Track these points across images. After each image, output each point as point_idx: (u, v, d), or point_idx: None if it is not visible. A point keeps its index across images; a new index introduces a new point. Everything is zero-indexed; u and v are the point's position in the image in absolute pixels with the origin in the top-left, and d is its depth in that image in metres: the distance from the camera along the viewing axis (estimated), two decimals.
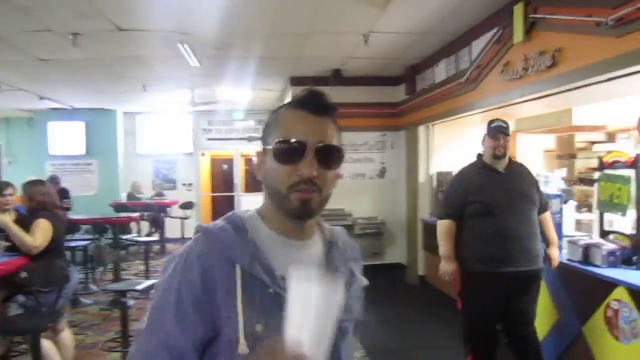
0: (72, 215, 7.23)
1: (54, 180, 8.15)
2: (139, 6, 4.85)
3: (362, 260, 1.34)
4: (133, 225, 10.09)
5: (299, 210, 1.11)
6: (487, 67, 5.09)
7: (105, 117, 11.43)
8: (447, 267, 3.67)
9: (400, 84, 8.01)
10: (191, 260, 1.09)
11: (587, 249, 3.69)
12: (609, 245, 3.70)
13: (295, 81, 8.19)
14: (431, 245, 7.30)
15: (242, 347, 1.03)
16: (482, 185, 3.53)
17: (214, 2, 4.73)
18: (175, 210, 11.22)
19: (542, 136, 7.69)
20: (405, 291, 7.24)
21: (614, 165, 3.86)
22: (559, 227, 4.01)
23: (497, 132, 3.51)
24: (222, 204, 13.91)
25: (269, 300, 1.07)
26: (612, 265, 3.63)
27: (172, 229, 11.08)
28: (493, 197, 3.49)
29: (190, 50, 6.00)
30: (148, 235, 10.18)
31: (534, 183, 3.66)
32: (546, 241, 3.67)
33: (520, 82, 4.45)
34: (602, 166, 3.96)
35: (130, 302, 6.17)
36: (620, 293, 3.39)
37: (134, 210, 9.49)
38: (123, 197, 11.14)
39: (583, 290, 3.68)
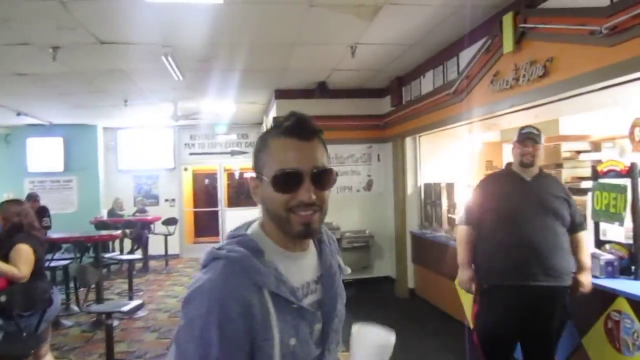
0: (52, 234, 7.02)
1: (32, 198, 7.92)
2: (121, 18, 4.72)
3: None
4: (116, 243, 9.88)
5: (303, 233, 1.19)
6: (476, 78, 5.06)
7: (85, 133, 11.21)
8: (462, 274, 3.49)
9: (386, 95, 7.99)
10: (228, 297, 1.10)
11: None
12: (606, 256, 3.66)
13: (280, 94, 8.12)
14: (420, 258, 7.24)
15: None
16: (504, 192, 3.35)
17: (198, 14, 4.63)
18: (158, 227, 11.00)
19: None
20: (394, 304, 7.14)
21: (608, 174, 3.82)
22: None
23: (526, 138, 3.30)
24: (205, 219, 13.73)
25: (295, 315, 1.17)
26: (611, 275, 3.60)
27: (155, 245, 10.85)
28: (513, 206, 3.28)
29: (174, 63, 5.89)
30: (130, 252, 9.94)
31: (565, 198, 3.33)
32: (577, 266, 3.35)
33: (511, 92, 4.42)
34: (596, 175, 3.93)
35: (115, 323, 5.99)
36: (620, 304, 3.34)
37: (115, 228, 9.26)
38: (104, 214, 10.89)
39: (582, 301, 3.61)
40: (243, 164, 13.52)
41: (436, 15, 4.80)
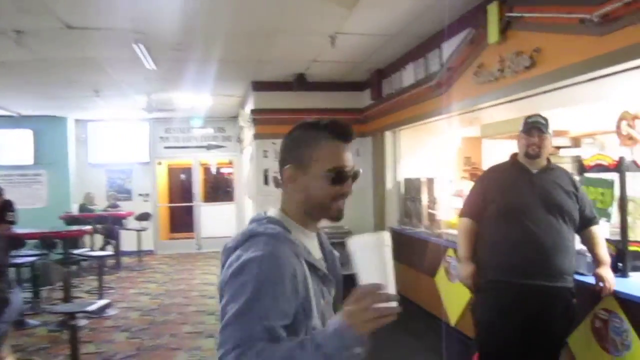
0: (18, 229, 6.71)
1: None
2: (90, 2, 4.48)
3: None
4: (86, 239, 9.57)
5: (337, 216, 1.43)
6: (459, 70, 4.93)
7: (55, 125, 10.87)
8: (462, 269, 3.31)
9: (366, 89, 7.84)
10: (283, 262, 1.28)
11: None
12: None
13: (257, 86, 7.91)
14: (400, 255, 7.10)
15: (316, 320, 1.33)
16: (507, 184, 3.16)
17: None
18: (131, 222, 10.70)
19: (508, 142, 7.64)
20: None
21: (595, 168, 3.72)
22: None
23: (532, 127, 3.10)
24: (181, 215, 13.44)
25: (320, 281, 1.41)
26: None
27: (128, 241, 10.55)
28: (515, 199, 3.09)
29: (146, 51, 5.65)
30: (101, 249, 9.63)
31: (574, 192, 3.13)
32: (595, 261, 3.19)
33: (496, 84, 4.29)
34: (582, 170, 3.82)
35: (83, 322, 5.74)
36: (609, 303, 3.23)
37: (87, 223, 8.96)
38: (75, 209, 10.56)
39: None
40: (220, 159, 13.27)
41: (418, 5, 4.66)
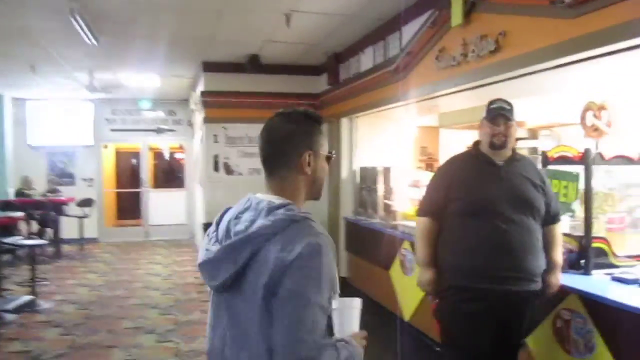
0: None
1: None
2: None
3: None
4: (23, 226, 8.97)
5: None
6: (419, 54, 4.69)
7: None
8: (423, 275, 2.97)
9: (322, 73, 7.55)
10: (329, 248, 1.37)
11: None
12: None
13: (208, 67, 7.51)
14: (354, 246, 6.89)
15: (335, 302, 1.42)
16: (471, 178, 2.83)
17: None
18: (73, 209, 10.10)
19: (465, 132, 7.51)
20: None
21: (559, 160, 3.55)
22: None
23: (497, 115, 2.79)
24: (129, 201, 12.85)
25: None
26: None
27: (68, 229, 9.95)
28: (482, 195, 2.76)
29: (84, 23, 5.16)
30: (37, 236, 9.01)
31: (541, 185, 2.87)
32: (547, 264, 2.91)
33: (458, 69, 4.07)
34: (546, 162, 3.64)
35: (11, 317, 5.30)
36: (572, 302, 3.06)
37: (22, 209, 8.37)
38: (11, 194, 9.88)
39: None
40: (170, 143, 12.74)
41: None
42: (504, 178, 2.79)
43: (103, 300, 6.48)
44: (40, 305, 6.02)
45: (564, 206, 3.47)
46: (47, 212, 9.22)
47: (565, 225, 3.62)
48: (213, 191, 7.57)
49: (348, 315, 1.49)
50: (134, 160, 13.40)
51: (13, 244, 6.75)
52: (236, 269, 1.34)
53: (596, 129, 3.56)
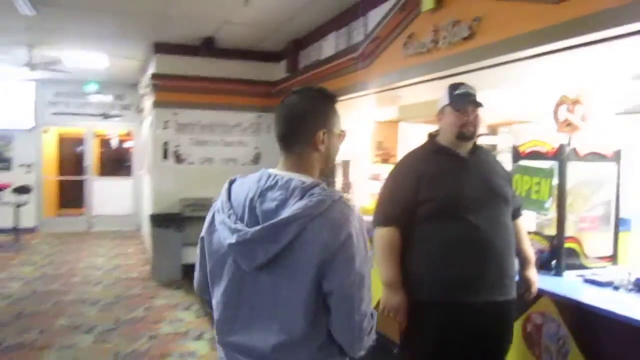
0: None
1: None
2: None
3: None
4: None
5: None
6: (386, 40, 4.44)
7: None
8: (392, 298, 2.45)
9: (281, 60, 7.23)
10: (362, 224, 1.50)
11: None
12: None
13: (160, 48, 7.06)
14: None
15: None
16: (439, 175, 2.47)
17: None
18: (8, 195, 9.42)
19: (425, 126, 7.37)
20: None
21: (531, 156, 3.38)
22: None
23: (467, 101, 2.46)
24: (71, 189, 12.15)
25: None
26: None
27: (3, 217, 9.29)
28: (456, 192, 2.41)
29: None
30: None
31: (507, 176, 2.64)
32: (521, 261, 2.70)
33: (428, 56, 3.84)
34: (517, 157, 3.47)
35: None
36: (544, 305, 2.88)
37: None
38: None
39: None
40: (118, 129, 12.14)
41: None
42: (472, 171, 2.49)
43: (37, 296, 5.99)
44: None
45: (535, 204, 3.31)
46: None
47: (532, 223, 3.49)
48: (161, 180, 7.14)
49: None
50: (80, 148, 12.71)
51: None
52: (280, 248, 1.38)
53: (569, 124, 3.41)
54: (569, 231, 3.24)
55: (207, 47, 6.83)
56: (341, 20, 5.40)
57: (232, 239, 1.42)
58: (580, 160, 3.20)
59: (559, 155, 3.16)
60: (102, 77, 10.09)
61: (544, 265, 3.18)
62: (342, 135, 1.61)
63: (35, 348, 4.40)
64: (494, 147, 5.56)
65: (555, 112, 3.53)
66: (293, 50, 6.69)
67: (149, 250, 7.78)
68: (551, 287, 2.87)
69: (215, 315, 1.57)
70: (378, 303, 2.37)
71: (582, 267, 3.22)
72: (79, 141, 12.06)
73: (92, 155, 11.60)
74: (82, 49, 7.58)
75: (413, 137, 7.63)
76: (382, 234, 2.51)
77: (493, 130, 6.45)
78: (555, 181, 3.19)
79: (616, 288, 2.85)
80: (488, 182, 2.49)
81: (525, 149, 3.43)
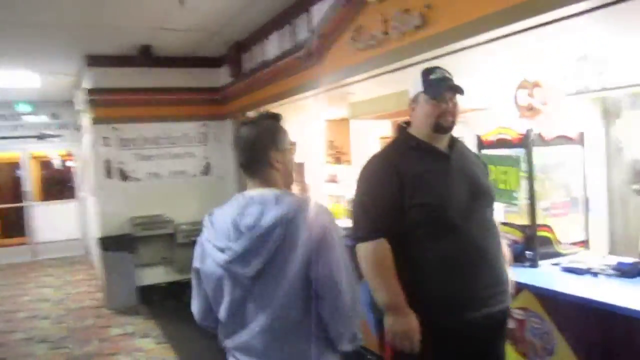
0: None
1: None
2: None
3: None
4: None
5: None
6: (332, 35, 4.24)
7: None
8: (400, 322, 2.07)
9: (223, 65, 6.93)
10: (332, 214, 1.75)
11: None
12: None
13: (93, 61, 6.63)
14: None
15: None
16: (424, 175, 2.15)
17: None
18: None
19: (377, 122, 7.24)
20: None
21: (497, 144, 3.25)
22: None
23: (444, 87, 2.17)
24: (11, 218, 11.43)
25: None
26: None
27: None
28: (444, 195, 2.11)
29: None
30: None
31: (485, 169, 2.41)
32: None
33: (379, 49, 3.66)
34: (481, 146, 3.34)
35: None
36: (525, 299, 2.75)
37: None
38: None
39: None
40: (57, 150, 11.52)
41: None
42: (455, 168, 2.21)
43: None
44: None
45: (504, 194, 3.19)
46: None
47: (500, 213, 3.36)
48: (107, 201, 6.71)
49: None
50: (19, 172, 11.98)
51: None
52: (269, 254, 1.55)
53: (531, 108, 3.30)
54: (540, 219, 3.14)
55: (144, 57, 6.46)
56: (284, 18, 5.17)
57: (226, 256, 1.59)
58: (546, 145, 3.10)
59: (525, 141, 3.05)
60: (35, 96, 9.51)
61: (518, 257, 3.05)
62: (292, 147, 1.77)
63: None
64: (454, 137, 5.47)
65: (516, 97, 3.42)
66: (235, 54, 6.41)
67: (100, 275, 7.34)
68: (530, 280, 2.75)
69: (221, 325, 1.72)
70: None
71: (556, 255, 3.12)
72: (16, 165, 11.38)
73: (31, 179, 10.94)
74: (9, 68, 7.08)
75: (364, 134, 7.54)
76: (370, 249, 2.12)
77: None
78: (523, 169, 3.07)
79: (595, 275, 2.75)
80: (473, 181, 2.23)
81: (489, 137, 3.30)
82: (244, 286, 1.60)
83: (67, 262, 9.90)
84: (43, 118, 10.53)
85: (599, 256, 3.07)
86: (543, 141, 3.09)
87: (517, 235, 3.11)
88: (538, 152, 3.07)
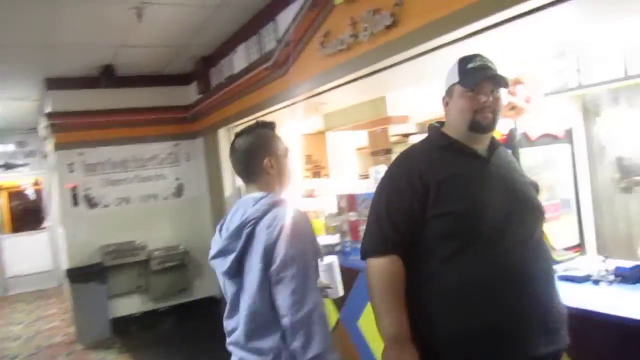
0: None
1: None
2: None
3: None
4: None
5: None
6: (300, 43, 4.04)
7: None
8: (398, 355, 1.71)
9: (191, 82, 6.69)
10: (306, 220, 1.79)
11: None
12: None
13: (53, 84, 6.33)
14: None
15: None
16: (454, 180, 1.78)
17: None
18: None
19: (353, 133, 7.07)
20: (222, 328, 5.91)
21: None
22: None
23: (483, 77, 1.79)
24: None
25: None
26: None
27: None
28: (479, 206, 1.73)
29: None
30: None
31: (532, 181, 1.98)
32: None
33: (350, 53, 3.46)
34: None
35: None
36: None
37: None
38: None
39: None
40: (24, 178, 11.12)
41: None
42: (494, 174, 1.83)
43: None
44: None
45: None
46: None
47: None
48: (75, 230, 6.38)
49: (332, 272, 2.24)
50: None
51: None
52: (238, 251, 1.72)
53: (513, 107, 3.12)
54: None
55: (107, 77, 6.20)
56: (249, 28, 4.96)
57: (211, 254, 1.83)
58: (532, 145, 2.90)
59: (510, 141, 2.85)
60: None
61: None
62: (286, 152, 1.88)
63: None
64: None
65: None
66: (203, 69, 6.18)
67: (70, 309, 6.97)
68: None
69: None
70: None
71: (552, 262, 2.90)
72: None
73: (0, 210, 10.52)
74: None
75: (341, 147, 7.37)
76: (379, 266, 1.78)
77: (423, 128, 6.21)
78: None
79: (596, 282, 2.54)
80: (517, 192, 1.84)
81: None
82: (232, 283, 1.78)
83: (39, 296, 9.45)
84: (8, 147, 10.16)
85: (597, 261, 2.86)
86: (529, 141, 2.90)
87: None
88: (524, 153, 2.88)
